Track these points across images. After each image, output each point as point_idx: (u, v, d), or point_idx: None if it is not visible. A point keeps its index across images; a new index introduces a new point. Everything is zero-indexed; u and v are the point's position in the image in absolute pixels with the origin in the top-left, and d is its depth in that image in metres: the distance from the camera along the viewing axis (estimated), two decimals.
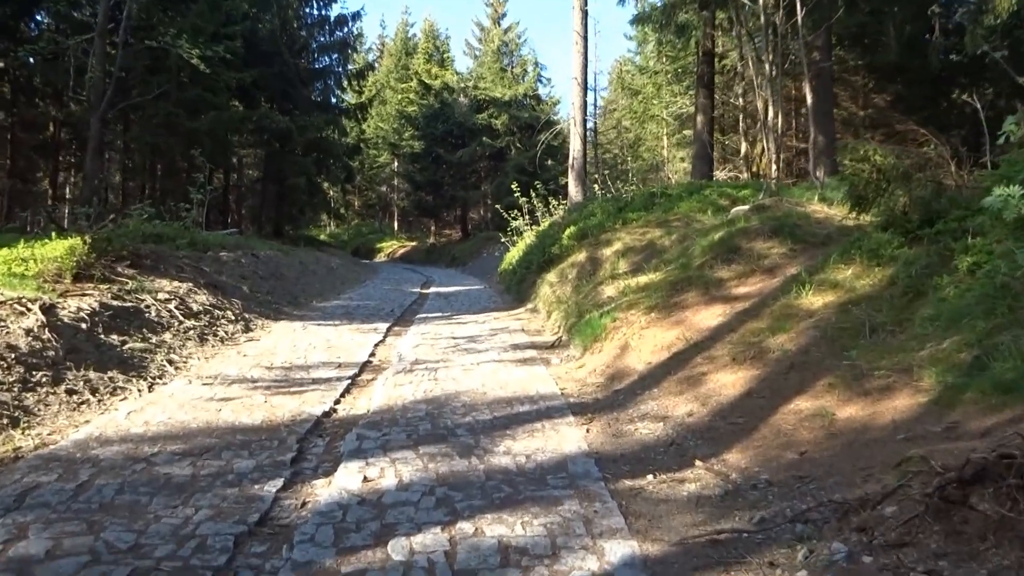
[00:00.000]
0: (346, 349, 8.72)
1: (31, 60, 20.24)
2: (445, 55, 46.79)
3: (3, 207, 27.14)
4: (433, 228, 47.99)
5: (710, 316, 7.41)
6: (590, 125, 26.56)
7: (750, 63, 15.93)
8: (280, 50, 27.46)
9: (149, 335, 7.72)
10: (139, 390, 6.26)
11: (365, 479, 4.35)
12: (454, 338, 9.86)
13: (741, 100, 26.32)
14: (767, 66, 13.75)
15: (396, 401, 6.27)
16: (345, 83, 31.68)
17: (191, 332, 8.42)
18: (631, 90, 29.02)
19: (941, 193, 6.96)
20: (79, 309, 7.21)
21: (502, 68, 40.45)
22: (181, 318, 8.63)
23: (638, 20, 20.43)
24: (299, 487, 4.31)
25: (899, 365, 4.98)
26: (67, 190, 31.71)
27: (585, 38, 19.79)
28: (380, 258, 42.17)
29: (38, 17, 23.27)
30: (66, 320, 6.83)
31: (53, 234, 8.92)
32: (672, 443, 5.05)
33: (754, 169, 26.07)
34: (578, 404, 6.17)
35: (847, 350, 5.52)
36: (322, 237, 46.30)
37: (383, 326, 10.83)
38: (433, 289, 19.35)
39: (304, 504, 4.06)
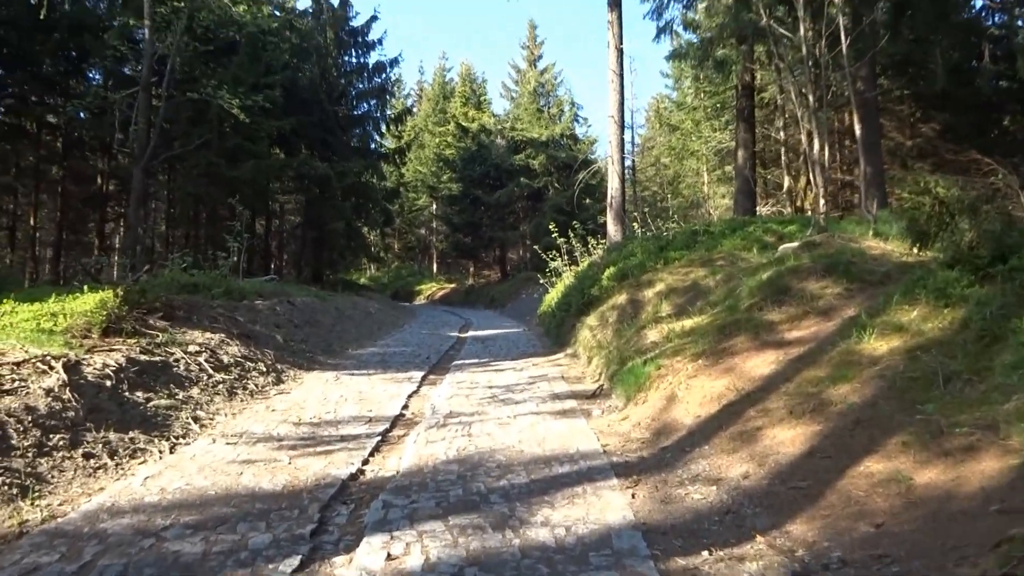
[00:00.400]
0: (378, 401, 8.39)
1: (80, 115, 20.73)
2: (482, 98, 47.18)
3: (57, 258, 27.76)
4: (472, 269, 47.94)
5: (762, 363, 6.91)
6: (628, 163, 26.28)
7: (792, 96, 15.49)
8: (319, 98, 27.84)
9: (176, 391, 7.48)
10: (160, 451, 5.98)
11: (389, 556, 3.95)
12: (490, 387, 9.47)
13: (782, 134, 25.87)
14: (810, 98, 13.31)
15: (427, 461, 5.88)
16: (383, 128, 31.94)
17: (220, 386, 8.17)
18: (669, 126, 28.73)
19: (1012, 226, 6.44)
20: (105, 366, 7.01)
21: (538, 109, 40.57)
22: (211, 371, 8.40)
23: (675, 56, 20.18)
24: (317, 566, 3.93)
25: (981, 420, 4.45)
26: (116, 240, 32.38)
27: (621, 76, 19.56)
28: (419, 300, 42.13)
29: (88, 73, 23.97)
30: (90, 378, 6.61)
31: (86, 287, 8.79)
32: (728, 511, 4.57)
33: (798, 203, 25.47)
34: (622, 464, 5.71)
35: (920, 403, 5.00)
36: (362, 281, 46.56)
37: (418, 375, 10.49)
38: (471, 333, 19.03)
39: None
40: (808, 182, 25.41)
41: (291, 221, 37.56)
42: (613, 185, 19.46)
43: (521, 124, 40.47)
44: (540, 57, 44.11)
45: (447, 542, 4.13)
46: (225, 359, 9.07)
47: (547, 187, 38.13)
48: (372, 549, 4.06)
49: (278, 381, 9.39)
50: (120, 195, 27.49)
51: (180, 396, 7.40)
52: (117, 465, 5.55)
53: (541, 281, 21.35)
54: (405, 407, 8.23)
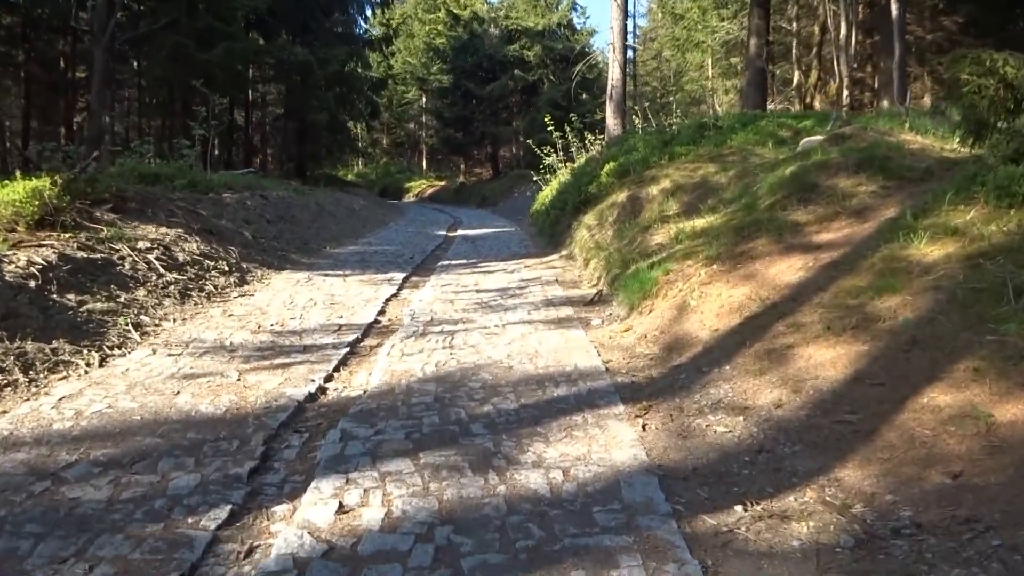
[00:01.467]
0: (351, 306, 7.51)
1: None
2: None
3: (25, 148, 26.25)
4: (463, 167, 46.47)
5: (789, 269, 6.01)
6: (629, 55, 24.61)
7: None
8: None
9: (117, 292, 6.56)
10: (87, 364, 5.10)
11: (341, 508, 3.14)
12: (478, 291, 8.60)
13: (795, 24, 24.23)
14: None
15: (400, 379, 5.04)
16: (369, 12, 29.91)
17: (172, 288, 7.25)
18: (673, 15, 26.90)
19: None
20: (29, 263, 6.06)
21: None
22: (162, 271, 7.45)
23: None
24: (250, 521, 3.12)
25: None
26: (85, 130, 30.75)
27: None
28: (408, 198, 40.90)
29: None
30: (7, 278, 5.67)
31: (19, 174, 7.72)
32: (760, 449, 3.75)
33: (807, 100, 24.11)
34: (628, 385, 4.88)
35: (990, 321, 4.14)
36: (349, 177, 45.11)
37: (399, 276, 9.60)
38: (460, 232, 18.07)
39: (250, 553, 2.86)
40: (819, 77, 24.05)
41: (274, 113, 35.82)
42: (614, 75, 18.10)
43: (516, 12, 38.19)
44: None
45: (415, 488, 3.31)
46: (181, 257, 8.12)
47: (542, 80, 36.32)
48: (321, 497, 3.24)
49: (241, 282, 8.47)
50: (89, 81, 25.75)
51: (122, 299, 6.49)
52: (31, 382, 4.68)
53: (535, 179, 20.22)
54: (381, 312, 7.36)
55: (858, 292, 5.11)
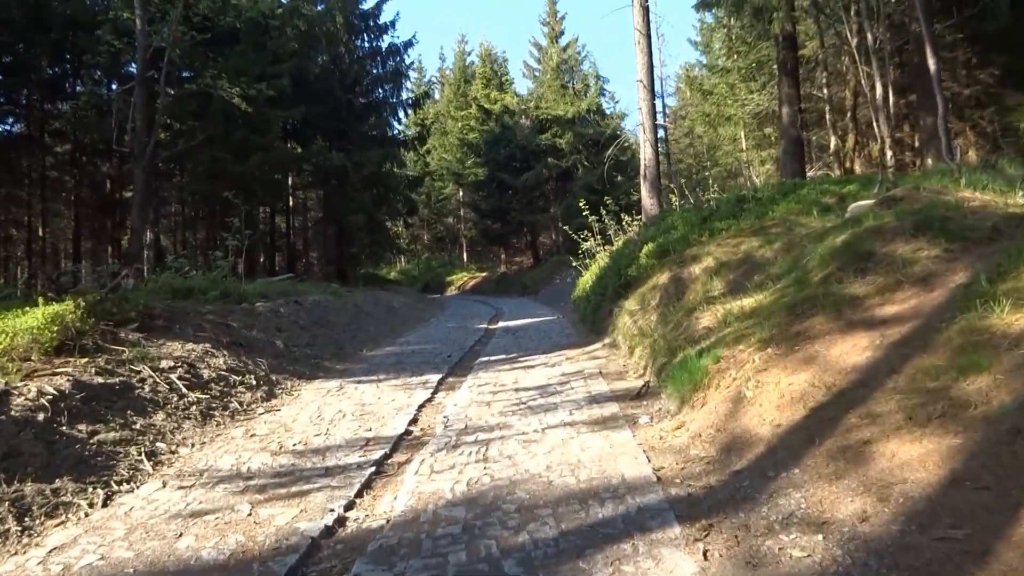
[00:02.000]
0: (382, 416, 7.05)
1: (75, 114, 19.73)
2: (503, 78, 45.60)
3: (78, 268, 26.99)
4: (503, 256, 46.59)
5: (853, 350, 5.40)
6: (660, 134, 24.57)
7: (848, 39, 13.77)
8: (332, 86, 26.63)
9: (134, 419, 6.21)
10: (90, 505, 4.70)
11: None
12: (517, 389, 8.09)
13: (825, 91, 23.97)
14: (868, 37, 11.61)
15: (427, 502, 4.52)
16: (401, 114, 30.63)
17: (193, 408, 6.90)
18: (701, 92, 26.92)
19: None
20: (40, 394, 5.76)
21: (563, 85, 38.92)
22: (184, 390, 7.13)
23: (704, 5, 18.44)
24: None
25: None
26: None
27: (648, 36, 17.97)
28: (451, 291, 40.90)
29: (93, 73, 22.98)
30: (15, 412, 5.35)
31: (40, 299, 7.58)
32: None
33: (847, 165, 23.58)
34: (684, 499, 4.28)
35: None
36: (392, 275, 45.54)
37: (435, 378, 9.15)
38: (500, 324, 17.66)
39: None
40: (856, 141, 23.57)
41: (315, 218, 36.53)
42: (646, 155, 17.89)
43: (545, 102, 38.87)
44: (562, 33, 42.31)
45: None
46: (206, 374, 7.81)
47: (576, 166, 36.55)
48: None
49: (269, 396, 8.10)
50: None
51: (138, 425, 6.13)
52: (24, 531, 4.27)
53: (574, 264, 19.90)
54: (413, 421, 6.88)
55: (938, 372, 4.49)
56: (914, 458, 3.85)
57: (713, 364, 6.31)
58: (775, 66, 23.49)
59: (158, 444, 5.95)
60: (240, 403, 7.52)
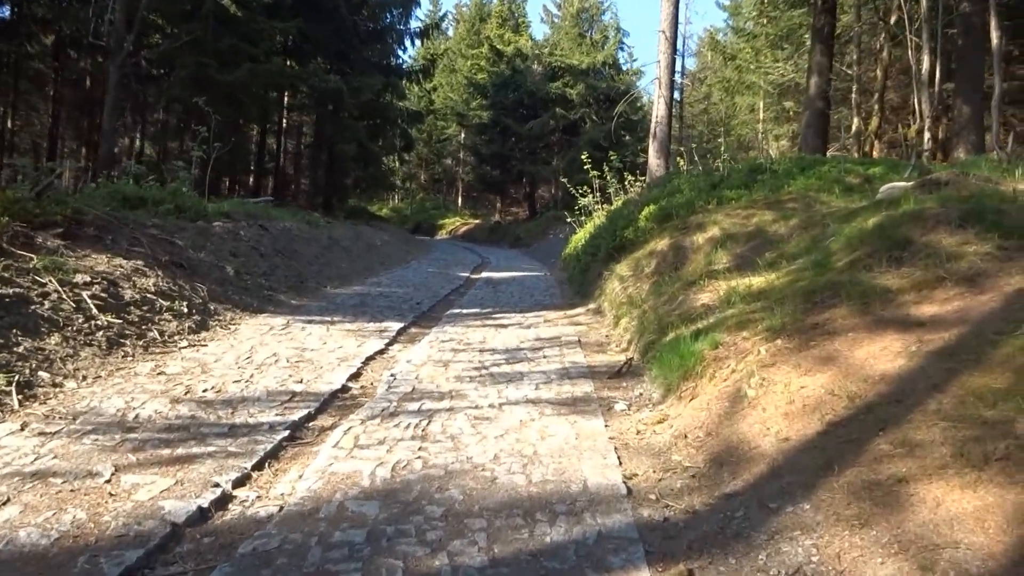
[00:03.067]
0: (321, 366, 6.08)
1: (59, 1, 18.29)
2: (520, 20, 43.72)
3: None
4: (499, 205, 45.35)
5: (883, 354, 4.43)
6: (676, 95, 23.27)
7: (899, 11, 12.54)
8: (337, 4, 25.01)
9: (19, 340, 5.21)
10: None
11: None
12: (482, 350, 7.13)
13: (855, 68, 22.68)
14: (922, 2, 10.41)
15: (336, 490, 3.57)
16: (407, 42, 29.05)
17: (100, 334, 5.90)
18: (724, 56, 25.53)
19: None
20: None
21: (580, 34, 37.28)
22: (94, 312, 6.12)
23: None
24: None
25: None
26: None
27: None
28: (441, 235, 39.80)
29: None
30: None
31: None
32: None
33: (867, 148, 22.45)
34: (659, 525, 3.33)
35: None
36: (383, 212, 44.33)
37: (395, 327, 8.18)
38: (484, 274, 16.66)
39: None
40: (880, 124, 22.39)
41: (310, 143, 35.14)
42: (659, 112, 16.71)
43: (560, 50, 37.27)
44: None
45: None
46: (128, 295, 6.79)
47: (584, 119, 35.16)
48: None
49: (200, 328, 7.11)
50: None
51: (21, 348, 5.13)
52: None
53: (569, 220, 18.84)
54: (355, 376, 5.92)
55: (995, 398, 3.52)
56: (967, 512, 2.89)
57: (710, 350, 5.35)
58: (807, 34, 22.18)
59: (40, 374, 4.96)
60: (161, 333, 6.53)
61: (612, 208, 16.10)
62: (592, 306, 10.12)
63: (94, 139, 25.51)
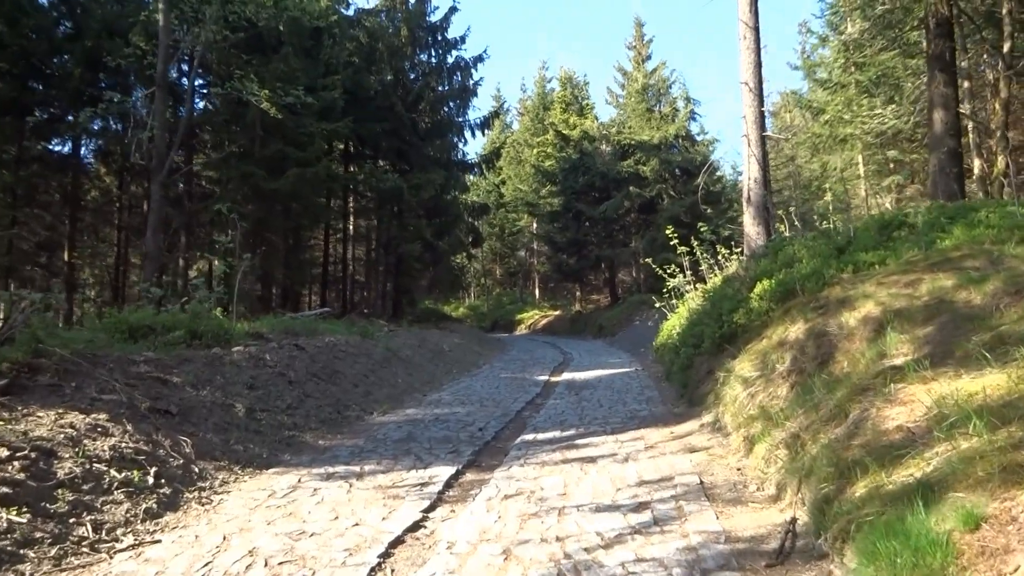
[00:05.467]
0: (316, 572, 3.94)
1: (96, 125, 17.72)
2: (584, 104, 42.59)
3: (116, 297, 25.13)
4: (578, 294, 43.20)
5: None
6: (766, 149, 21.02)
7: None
8: (392, 102, 24.11)
9: None
10: None
11: None
12: (562, 513, 4.84)
13: (967, 104, 19.97)
14: None
15: None
16: (467, 133, 27.80)
17: None
18: (812, 109, 23.25)
19: None
20: None
21: (648, 109, 35.63)
22: None
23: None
24: None
25: None
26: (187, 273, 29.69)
27: (756, 29, 14.66)
28: (520, 330, 37.80)
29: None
30: None
31: None
32: None
33: (992, 194, 19.49)
34: None
35: None
36: (460, 311, 42.85)
37: (445, 474, 6.01)
38: (565, 375, 14.39)
39: None
40: (1007, 164, 19.52)
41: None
42: (751, 173, 14.47)
43: (628, 127, 35.68)
44: (649, 57, 38.91)
45: None
46: (64, 469, 4.87)
47: (660, 196, 33.11)
48: None
49: (166, 507, 5.09)
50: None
51: None
52: None
53: (657, 305, 16.54)
54: None
55: None
56: None
57: (966, 531, 2.96)
58: (906, 72, 19.85)
59: None
60: (96, 527, 4.52)
61: (709, 288, 13.77)
62: (707, 418, 7.70)
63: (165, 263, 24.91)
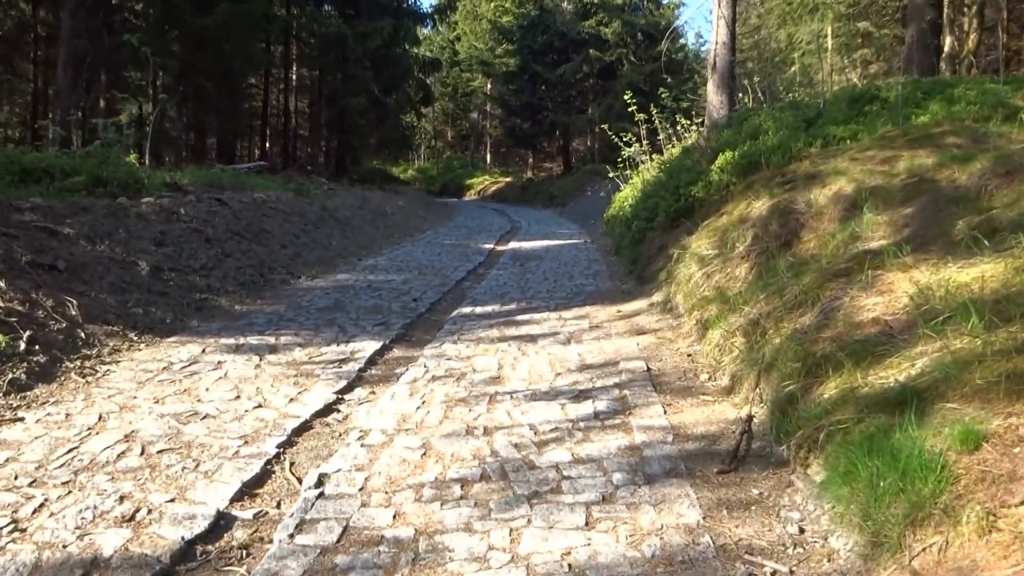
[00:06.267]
0: (198, 461, 3.39)
1: None
2: None
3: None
4: (531, 161, 42.05)
5: None
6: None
7: None
8: None
9: None
10: None
11: None
12: (494, 400, 4.34)
13: None
14: None
15: None
16: None
17: None
18: None
19: None
20: None
21: None
22: None
23: None
24: None
25: None
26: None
27: None
28: (470, 196, 36.83)
29: None
30: None
31: None
32: None
33: (961, 72, 18.88)
34: None
35: None
36: (409, 173, 41.52)
37: (369, 348, 5.44)
38: (512, 244, 13.80)
39: None
40: (979, 42, 18.88)
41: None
42: (719, 36, 13.43)
43: None
44: None
45: None
46: None
47: (621, 61, 31.64)
48: None
49: (38, 378, 4.41)
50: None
51: None
52: None
53: (611, 175, 15.85)
54: (256, 483, 3.21)
55: None
56: None
57: (965, 451, 2.49)
58: None
59: None
60: None
61: (667, 158, 13.12)
62: (657, 298, 7.22)
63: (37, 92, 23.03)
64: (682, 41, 37.89)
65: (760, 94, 14.96)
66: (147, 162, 10.11)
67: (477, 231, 16.50)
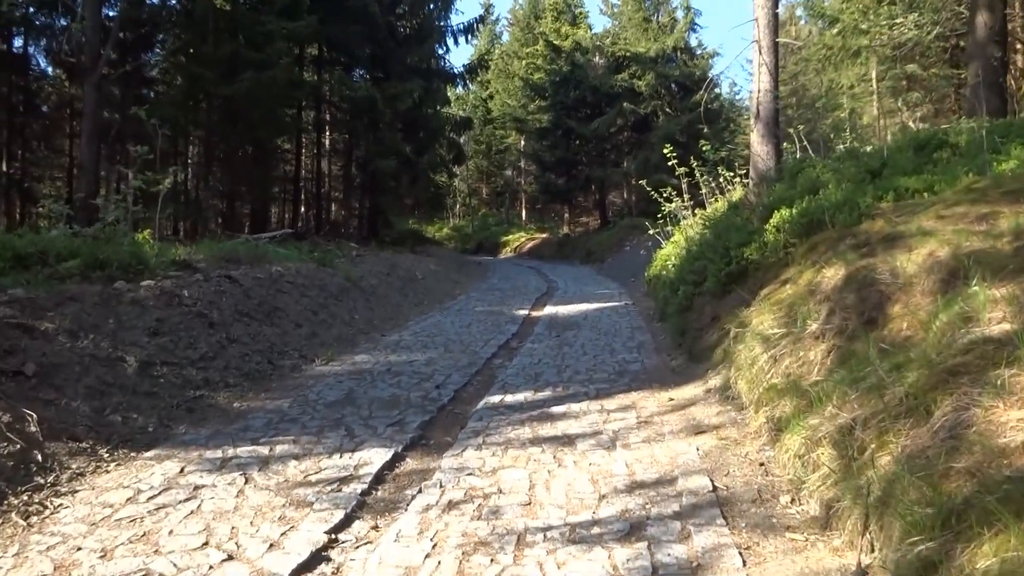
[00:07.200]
0: None
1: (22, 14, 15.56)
2: (577, 12, 39.75)
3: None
4: (566, 216, 41.44)
5: None
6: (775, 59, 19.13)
7: None
8: (366, 2, 21.80)
9: None
10: None
11: None
12: (524, 542, 3.45)
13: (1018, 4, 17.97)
14: None
15: None
16: (450, 40, 25.39)
17: None
18: (823, 18, 21.21)
19: None
20: None
21: (645, 19, 33.25)
22: None
23: None
24: None
25: None
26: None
27: None
28: (506, 253, 36.24)
29: None
30: None
31: None
32: None
33: (1018, 112, 17.78)
34: None
35: None
36: (444, 231, 41.27)
37: (376, 461, 4.61)
38: (548, 310, 12.95)
39: None
40: None
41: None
42: (761, 85, 12.68)
43: (624, 39, 33.36)
44: None
45: None
46: None
47: (656, 113, 31.09)
48: None
49: None
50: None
51: None
52: None
53: (650, 231, 15.03)
54: None
55: None
56: None
57: None
58: None
59: None
60: None
61: (711, 214, 12.29)
62: (714, 382, 6.27)
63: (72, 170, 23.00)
64: (717, 90, 37.34)
65: (806, 143, 14.06)
66: (155, 237, 9.55)
67: (512, 294, 15.71)
